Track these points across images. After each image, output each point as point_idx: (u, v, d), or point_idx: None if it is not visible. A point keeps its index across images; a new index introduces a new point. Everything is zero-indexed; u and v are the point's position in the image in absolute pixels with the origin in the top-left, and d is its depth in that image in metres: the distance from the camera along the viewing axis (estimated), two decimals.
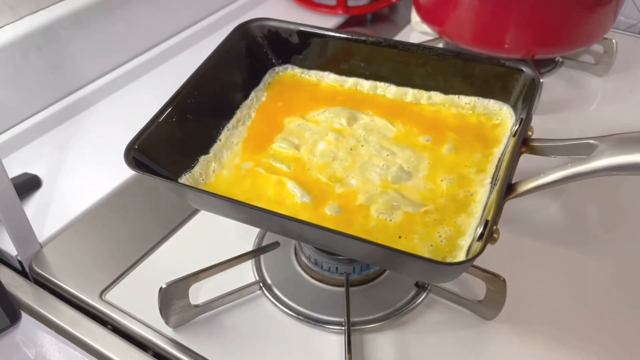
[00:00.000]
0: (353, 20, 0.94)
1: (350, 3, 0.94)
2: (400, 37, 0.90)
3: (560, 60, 0.81)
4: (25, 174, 0.65)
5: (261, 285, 0.52)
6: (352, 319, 0.48)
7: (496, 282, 0.46)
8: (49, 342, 0.50)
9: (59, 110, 0.73)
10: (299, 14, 0.96)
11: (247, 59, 0.55)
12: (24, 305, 0.53)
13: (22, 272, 0.57)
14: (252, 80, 0.55)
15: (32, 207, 0.62)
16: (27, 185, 0.64)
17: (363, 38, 0.54)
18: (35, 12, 0.71)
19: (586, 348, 0.48)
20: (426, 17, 0.80)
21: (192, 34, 0.88)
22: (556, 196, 0.61)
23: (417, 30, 0.89)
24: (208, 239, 0.57)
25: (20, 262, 0.57)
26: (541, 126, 0.71)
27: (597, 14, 0.72)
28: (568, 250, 0.56)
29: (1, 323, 0.50)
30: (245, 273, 0.53)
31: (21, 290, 0.54)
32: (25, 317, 0.52)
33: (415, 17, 0.86)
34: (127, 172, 0.65)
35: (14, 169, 0.65)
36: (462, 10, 0.73)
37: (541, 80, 0.72)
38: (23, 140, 0.70)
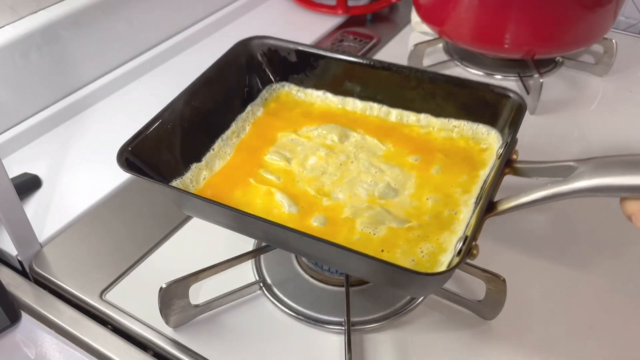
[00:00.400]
0: (353, 20, 0.95)
1: (350, 3, 0.94)
2: (400, 37, 0.90)
3: (560, 60, 0.81)
4: (26, 174, 0.65)
5: (261, 285, 0.52)
6: (352, 319, 0.49)
7: (496, 282, 0.46)
8: (49, 342, 0.50)
9: (59, 110, 0.73)
10: (299, 14, 0.96)
11: (246, 74, 0.56)
12: (24, 305, 0.53)
13: (22, 272, 0.57)
14: (249, 94, 0.56)
15: (32, 207, 0.62)
16: (27, 185, 0.64)
17: (358, 60, 0.55)
18: (35, 12, 0.71)
19: (585, 348, 0.48)
20: (426, 17, 0.80)
21: (192, 34, 0.88)
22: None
23: (417, 30, 0.89)
24: (208, 239, 0.57)
25: (20, 262, 0.57)
26: (541, 126, 0.71)
27: (597, 14, 0.72)
28: (568, 250, 0.56)
29: (1, 323, 0.50)
30: (246, 273, 0.53)
31: (21, 290, 0.54)
32: (25, 317, 0.52)
33: (415, 17, 0.86)
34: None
35: (14, 169, 0.65)
36: (462, 10, 0.74)
37: (541, 80, 0.72)
38: (23, 140, 0.70)
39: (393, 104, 0.54)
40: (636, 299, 0.52)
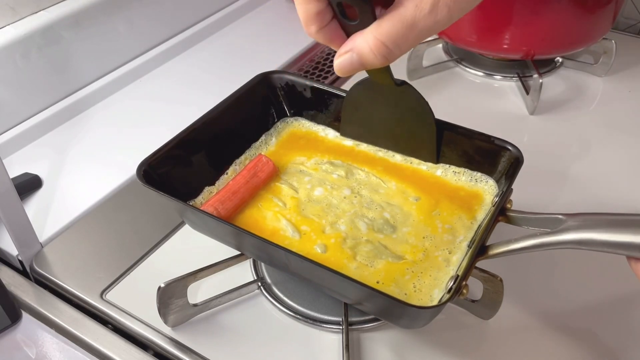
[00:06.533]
0: None
1: None
2: None
3: (560, 60, 0.81)
4: (26, 174, 0.65)
5: (260, 284, 0.53)
6: (350, 319, 0.49)
7: (493, 282, 0.46)
8: (50, 341, 0.50)
9: (59, 110, 0.74)
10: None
11: (263, 106, 0.59)
12: (25, 304, 0.53)
13: (22, 272, 0.58)
14: (265, 124, 0.59)
15: (33, 207, 0.62)
16: (28, 185, 0.64)
17: None
18: (35, 12, 0.71)
19: (583, 347, 0.48)
20: None
21: (192, 35, 0.88)
22: (556, 197, 0.61)
23: None
24: (208, 239, 0.57)
25: (21, 262, 0.57)
26: (541, 126, 0.72)
27: (596, 15, 0.72)
28: (566, 251, 0.56)
29: (2, 323, 0.50)
30: (244, 272, 0.54)
31: (22, 289, 0.54)
32: (26, 317, 0.52)
33: None
34: (127, 173, 0.65)
35: (15, 169, 0.66)
36: None
37: (540, 80, 0.72)
38: (24, 140, 0.71)
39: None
40: (635, 299, 0.52)
